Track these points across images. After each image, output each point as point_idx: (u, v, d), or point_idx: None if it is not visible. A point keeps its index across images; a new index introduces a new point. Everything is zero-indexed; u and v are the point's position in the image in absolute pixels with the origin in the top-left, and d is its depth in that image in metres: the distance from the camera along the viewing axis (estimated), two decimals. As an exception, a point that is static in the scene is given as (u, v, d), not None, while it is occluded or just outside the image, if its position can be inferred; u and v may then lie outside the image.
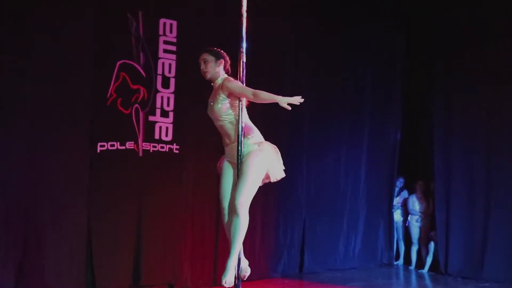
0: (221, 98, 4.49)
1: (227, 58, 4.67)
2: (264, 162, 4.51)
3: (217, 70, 4.59)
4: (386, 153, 10.67)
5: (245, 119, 4.55)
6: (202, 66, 4.60)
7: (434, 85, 10.11)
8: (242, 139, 4.52)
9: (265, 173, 4.55)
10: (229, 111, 4.51)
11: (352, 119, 10.19)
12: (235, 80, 4.56)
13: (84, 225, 7.05)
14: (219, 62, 4.59)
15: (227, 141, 4.63)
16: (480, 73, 9.43)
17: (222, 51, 4.69)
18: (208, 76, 4.59)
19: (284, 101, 4.29)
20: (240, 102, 4.53)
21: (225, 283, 4.44)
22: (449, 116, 9.84)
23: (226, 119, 4.53)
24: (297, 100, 4.31)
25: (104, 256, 7.16)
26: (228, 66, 4.67)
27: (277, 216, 9.09)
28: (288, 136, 9.10)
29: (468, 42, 9.59)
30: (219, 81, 4.58)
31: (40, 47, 6.71)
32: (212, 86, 4.71)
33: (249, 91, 4.40)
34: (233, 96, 4.49)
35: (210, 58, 4.58)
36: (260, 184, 4.56)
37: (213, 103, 4.52)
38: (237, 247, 4.45)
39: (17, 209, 6.61)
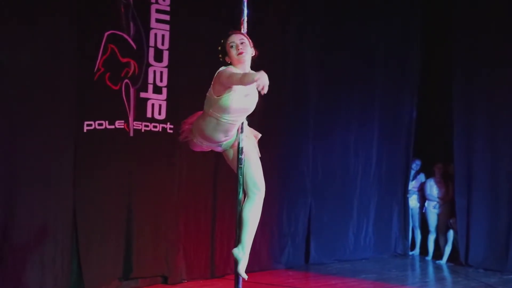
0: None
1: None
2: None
3: (248, 59, 4.60)
4: (400, 133, 10.73)
5: None
6: (240, 47, 4.52)
7: (455, 58, 10.06)
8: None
9: None
10: None
11: (362, 94, 10.23)
12: None
13: (69, 212, 7.07)
14: (252, 52, 4.60)
15: (223, 137, 4.66)
16: (507, 46, 9.42)
17: None
18: (246, 58, 4.55)
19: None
20: None
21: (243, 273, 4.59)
22: (471, 92, 9.85)
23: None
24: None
25: (91, 245, 7.19)
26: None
27: (280, 202, 9.17)
28: (292, 113, 9.15)
29: (495, 12, 9.56)
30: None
31: (17, 15, 6.65)
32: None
33: None
34: None
35: (248, 43, 4.57)
36: None
37: (254, 97, 4.55)
38: (252, 234, 4.64)
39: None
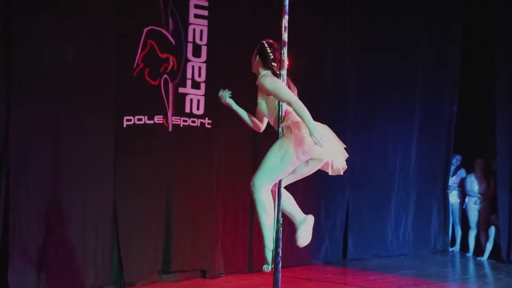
0: (261, 97, 4.71)
1: (267, 52, 4.71)
2: (288, 148, 4.59)
3: (255, 65, 4.78)
4: (441, 128, 10.74)
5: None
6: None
7: (497, 51, 10.07)
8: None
9: (292, 160, 4.64)
10: (274, 108, 4.69)
11: (402, 89, 10.27)
12: (273, 78, 4.64)
13: (109, 206, 7.26)
14: (257, 57, 4.75)
15: None
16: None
17: (266, 45, 4.72)
18: (253, 69, 4.83)
19: (314, 134, 4.49)
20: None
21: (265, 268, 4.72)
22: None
23: (273, 116, 4.74)
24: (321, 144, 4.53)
25: (131, 239, 7.37)
26: (269, 62, 4.70)
27: (318, 197, 9.27)
28: (330, 109, 9.22)
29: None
30: (259, 78, 4.72)
31: (59, 13, 6.84)
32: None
33: (286, 96, 4.50)
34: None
35: (255, 51, 4.80)
36: (284, 170, 4.64)
37: (258, 103, 4.76)
38: (266, 230, 4.69)
39: (37, 188, 6.80)
